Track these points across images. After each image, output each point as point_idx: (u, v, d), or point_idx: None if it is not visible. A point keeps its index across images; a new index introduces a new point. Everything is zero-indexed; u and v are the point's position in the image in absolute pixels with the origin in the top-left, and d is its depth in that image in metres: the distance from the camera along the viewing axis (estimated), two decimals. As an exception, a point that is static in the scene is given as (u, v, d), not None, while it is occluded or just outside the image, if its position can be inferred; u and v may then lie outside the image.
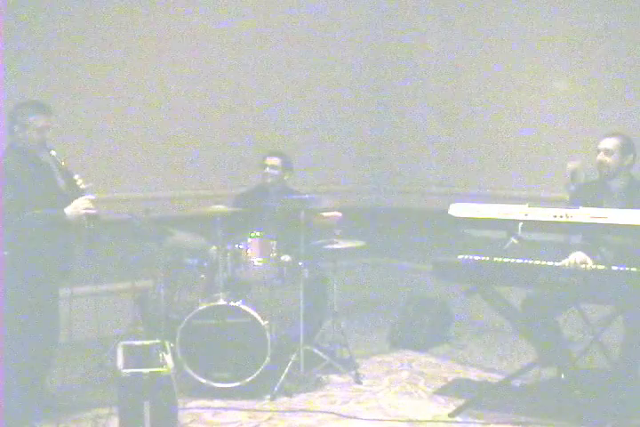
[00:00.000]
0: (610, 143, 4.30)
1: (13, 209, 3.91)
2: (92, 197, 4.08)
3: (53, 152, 4.11)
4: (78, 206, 4.02)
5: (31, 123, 4.03)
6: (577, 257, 4.00)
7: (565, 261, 4.00)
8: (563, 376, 4.37)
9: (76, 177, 4.12)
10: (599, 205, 4.15)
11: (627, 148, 4.29)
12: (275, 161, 5.25)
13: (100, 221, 4.07)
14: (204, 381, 4.56)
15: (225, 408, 4.39)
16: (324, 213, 5.20)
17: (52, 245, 4.09)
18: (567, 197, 4.83)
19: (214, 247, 4.93)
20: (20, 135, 4.06)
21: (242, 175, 5.95)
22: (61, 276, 4.24)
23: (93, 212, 4.03)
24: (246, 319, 4.59)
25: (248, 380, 4.55)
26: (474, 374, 4.99)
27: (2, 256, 3.90)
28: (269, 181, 5.25)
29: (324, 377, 4.87)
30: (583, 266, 3.97)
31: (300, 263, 4.75)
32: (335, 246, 4.95)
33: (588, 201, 4.20)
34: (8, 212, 3.89)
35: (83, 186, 4.11)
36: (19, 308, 3.96)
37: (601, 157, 4.30)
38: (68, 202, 4.05)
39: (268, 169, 5.24)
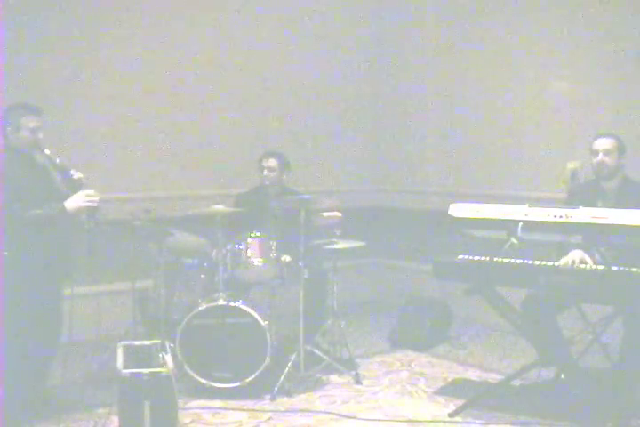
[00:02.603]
0: (608, 144, 4.30)
1: (12, 210, 3.91)
2: (91, 191, 4.08)
3: (47, 151, 4.12)
4: (78, 199, 4.03)
5: (23, 124, 4.06)
6: (576, 255, 4.01)
7: (564, 260, 4.01)
8: (563, 376, 4.38)
9: (72, 172, 4.13)
10: (594, 206, 4.15)
11: (622, 147, 4.32)
12: (271, 163, 5.26)
13: (101, 216, 4.07)
14: (204, 381, 4.56)
15: (225, 408, 4.38)
16: (324, 213, 5.20)
17: (52, 245, 4.10)
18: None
19: (214, 248, 4.93)
20: (13, 137, 4.09)
21: (242, 175, 5.95)
22: (63, 275, 4.24)
23: (94, 204, 4.04)
24: (246, 319, 4.59)
25: (248, 380, 4.55)
26: (474, 374, 4.99)
27: (2, 256, 3.91)
28: (268, 183, 5.27)
29: (323, 377, 4.87)
30: (583, 266, 3.97)
31: (299, 263, 4.75)
32: (335, 246, 4.95)
33: (584, 201, 4.20)
34: (7, 213, 3.90)
35: (80, 176, 4.11)
36: (20, 308, 3.96)
37: (601, 157, 4.29)
38: (67, 199, 4.05)
39: (265, 172, 5.25)
